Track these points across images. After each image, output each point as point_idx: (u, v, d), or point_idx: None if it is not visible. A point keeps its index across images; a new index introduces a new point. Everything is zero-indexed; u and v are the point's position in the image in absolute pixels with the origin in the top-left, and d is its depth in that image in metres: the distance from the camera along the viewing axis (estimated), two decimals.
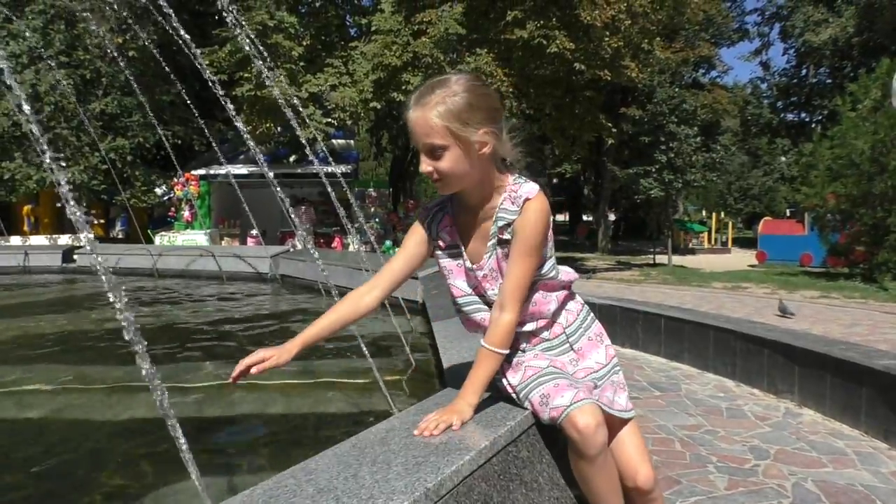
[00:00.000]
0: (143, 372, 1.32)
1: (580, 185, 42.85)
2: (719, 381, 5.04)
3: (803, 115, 43.92)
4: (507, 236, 1.74)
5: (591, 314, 1.98)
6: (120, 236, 25.90)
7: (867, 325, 7.93)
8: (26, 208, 21.10)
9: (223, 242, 18.93)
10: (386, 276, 1.86)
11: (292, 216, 4.05)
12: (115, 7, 17.60)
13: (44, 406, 3.09)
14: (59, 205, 19.03)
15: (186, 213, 20.09)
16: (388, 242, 19.06)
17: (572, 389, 1.68)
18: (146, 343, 1.39)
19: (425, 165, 1.68)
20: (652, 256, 24.72)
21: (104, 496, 2.12)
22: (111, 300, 1.34)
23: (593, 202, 33.95)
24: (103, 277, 1.35)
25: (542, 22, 15.69)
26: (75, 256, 10.36)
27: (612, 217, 37.43)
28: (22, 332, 5.11)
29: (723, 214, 46.06)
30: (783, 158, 45.18)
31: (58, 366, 3.94)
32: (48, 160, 1.31)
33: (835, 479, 3.06)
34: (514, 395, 1.78)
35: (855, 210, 15.70)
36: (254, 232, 19.04)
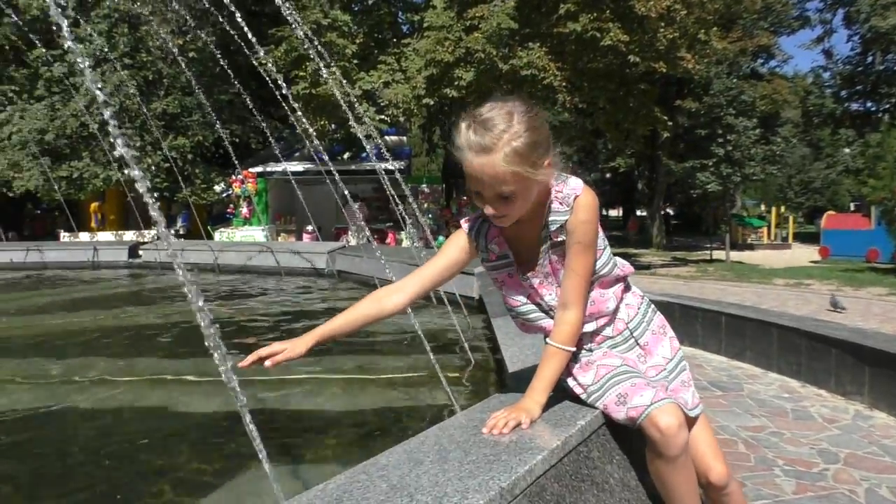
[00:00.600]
0: (217, 361, 1.36)
1: (634, 180, 42.17)
2: (783, 381, 4.91)
3: (869, 104, 42.16)
4: (561, 238, 1.72)
5: (652, 305, 1.95)
6: (181, 233, 26.69)
7: None
8: (94, 205, 21.91)
9: (279, 238, 19.33)
10: (416, 280, 1.80)
11: (353, 210, 4.09)
12: (176, 9, 18.12)
13: (117, 397, 3.20)
14: (127, 199, 19.72)
15: (244, 210, 20.56)
16: (441, 238, 19.14)
17: (651, 389, 1.66)
18: (217, 336, 1.43)
19: (491, 210, 1.62)
20: (708, 252, 24.16)
21: (175, 483, 2.19)
22: (188, 296, 1.38)
23: (647, 197, 33.33)
24: (180, 273, 1.39)
25: (595, 14, 15.47)
26: (141, 252, 10.73)
27: (669, 212, 36.74)
28: (96, 325, 5.32)
29: (783, 209, 44.69)
30: (847, 150, 43.58)
31: (131, 359, 4.09)
32: (131, 163, 1.35)
33: None
34: (584, 395, 1.77)
35: None
36: (309, 228, 19.37)
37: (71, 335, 4.97)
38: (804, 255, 25.15)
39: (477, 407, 1.71)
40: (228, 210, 21.73)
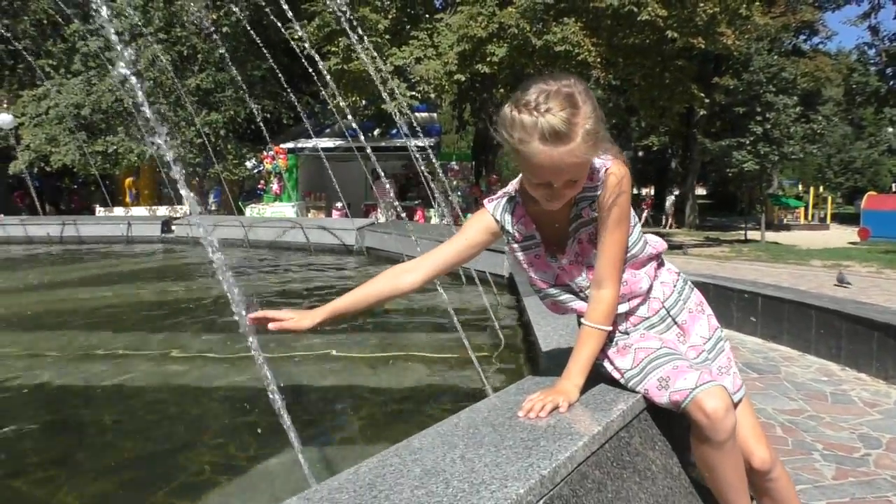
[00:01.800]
0: (251, 342, 1.33)
1: (667, 159, 41.53)
2: (822, 364, 4.79)
3: None
4: (592, 215, 1.64)
5: (689, 282, 1.87)
6: (213, 208, 26.99)
7: None
8: (128, 181, 22.21)
9: (309, 215, 19.42)
10: (433, 260, 1.73)
11: (383, 186, 4.06)
12: None
13: (147, 373, 3.23)
14: (160, 174, 19.96)
15: (275, 186, 20.67)
16: (469, 216, 19.04)
17: (695, 371, 1.59)
18: (245, 314, 1.40)
19: (558, 196, 1.55)
20: (743, 232, 23.74)
21: (206, 463, 2.19)
22: (218, 274, 1.35)
23: (681, 176, 32.78)
24: (210, 251, 1.36)
25: None
26: (173, 227, 10.85)
27: (701, 191, 36.14)
28: (126, 300, 5.38)
29: (821, 189, 43.72)
30: (891, 129, 42.33)
31: (157, 335, 4.12)
32: (161, 141, 1.31)
33: None
34: (622, 380, 1.70)
35: None
36: (339, 204, 19.43)
37: (96, 311, 5.04)
38: (842, 236, 24.60)
39: (511, 389, 1.66)
40: (259, 186, 21.87)
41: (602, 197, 1.60)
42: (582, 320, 1.67)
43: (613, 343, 1.75)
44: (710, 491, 1.61)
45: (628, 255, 1.69)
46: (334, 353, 3.51)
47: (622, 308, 1.73)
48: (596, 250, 1.67)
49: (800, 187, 44.41)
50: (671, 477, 1.48)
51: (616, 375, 1.72)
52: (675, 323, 1.78)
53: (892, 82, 40.75)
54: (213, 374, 3.19)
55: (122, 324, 4.42)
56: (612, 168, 1.60)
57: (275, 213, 18.06)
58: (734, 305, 5.87)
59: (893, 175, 41.26)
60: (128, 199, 22.00)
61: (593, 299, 1.65)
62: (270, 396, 1.36)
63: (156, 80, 18.59)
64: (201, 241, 1.35)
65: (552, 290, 1.76)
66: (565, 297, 1.75)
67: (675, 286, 1.81)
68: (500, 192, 1.77)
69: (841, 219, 38.24)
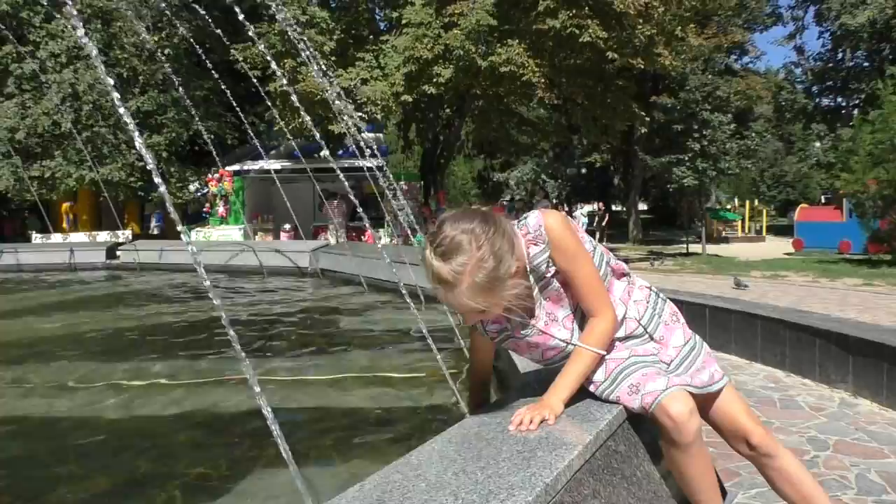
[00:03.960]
0: (245, 364, 1.35)
1: (609, 176, 42.45)
2: (769, 371, 4.99)
3: (839, 99, 42.87)
4: (551, 271, 1.72)
5: (660, 295, 1.95)
6: (155, 232, 26.31)
7: None
8: (65, 206, 21.50)
9: (257, 237, 19.16)
10: (482, 361, 2.00)
11: (334, 207, 4.07)
12: (151, 5, 17.86)
13: (110, 402, 3.16)
14: (100, 199, 19.40)
15: (221, 209, 20.33)
16: (419, 235, 19.09)
17: (663, 376, 1.68)
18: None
19: (473, 322, 1.73)
20: (685, 246, 24.41)
21: (181, 491, 2.17)
22: (212, 300, 1.38)
23: (623, 192, 33.56)
24: (203, 274, 1.38)
25: (573, 11, 15.56)
26: (118, 253, 10.59)
27: (643, 206, 37.04)
28: (77, 330, 5.24)
29: (756, 202, 45.33)
30: (818, 144, 44.24)
31: (119, 363, 4.04)
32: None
33: None
34: (597, 391, 1.76)
35: None
36: (287, 226, 19.21)
37: (56, 340, 4.89)
38: (778, 247, 25.48)
39: (496, 404, 1.72)
40: (205, 209, 21.48)
41: (553, 250, 1.68)
42: (576, 342, 1.73)
43: None
44: (684, 494, 1.68)
45: (601, 272, 1.77)
46: (305, 376, 3.50)
47: None
48: (565, 299, 1.76)
49: (735, 201, 45.94)
50: (654, 482, 1.56)
51: (591, 388, 1.77)
52: (653, 339, 1.84)
53: (818, 99, 42.72)
54: (177, 401, 3.15)
55: (78, 353, 4.31)
56: (547, 221, 1.69)
57: (221, 236, 17.76)
58: (683, 317, 6.06)
59: (822, 188, 43.03)
60: (65, 225, 21.29)
61: (588, 325, 1.72)
62: (268, 420, 1.37)
63: (95, 102, 18.15)
64: (195, 266, 1.36)
65: (548, 362, 1.83)
66: (561, 356, 1.78)
67: (648, 301, 1.89)
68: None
69: (776, 230, 39.66)
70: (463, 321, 1.72)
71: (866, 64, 38.57)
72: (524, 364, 2.22)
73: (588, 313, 1.72)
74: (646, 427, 1.71)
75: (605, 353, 1.72)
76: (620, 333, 1.82)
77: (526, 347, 1.82)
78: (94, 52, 1.41)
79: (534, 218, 1.70)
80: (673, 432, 1.58)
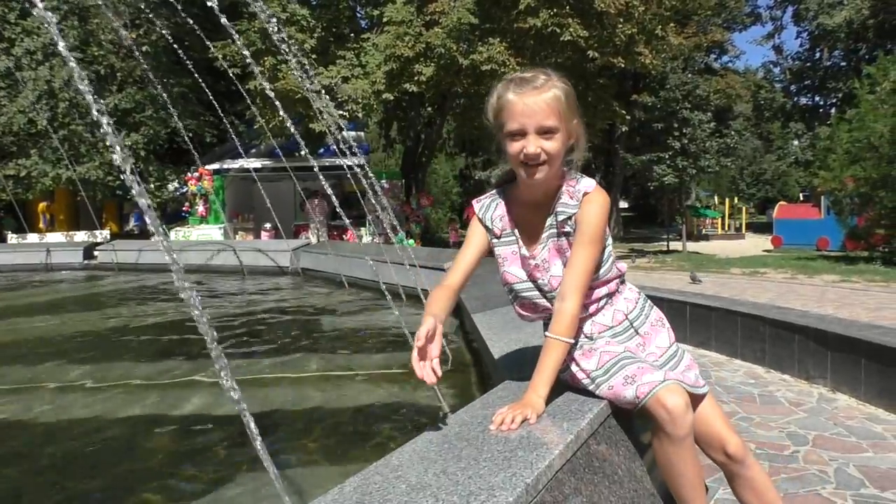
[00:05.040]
0: (218, 367, 1.33)
1: (591, 173, 42.62)
2: (749, 367, 5.04)
3: (817, 98, 43.50)
4: (567, 229, 1.78)
5: (649, 301, 2.00)
6: (134, 232, 26.04)
7: (895, 309, 7.87)
8: (41, 205, 21.21)
9: (237, 237, 19.03)
10: (459, 271, 1.88)
11: (315, 207, 4.05)
12: (128, 2, 17.65)
13: (86, 404, 3.11)
14: (78, 199, 19.14)
15: (201, 208, 20.16)
16: (401, 234, 19.05)
17: (660, 370, 1.71)
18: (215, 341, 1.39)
19: (534, 147, 1.69)
20: (665, 243, 24.63)
21: (162, 494, 2.14)
22: (185, 300, 1.35)
23: (605, 189, 33.74)
24: (175, 276, 1.36)
25: (555, 10, 15.59)
26: (96, 253, 10.45)
27: (624, 204, 37.25)
28: (56, 331, 5.16)
29: (735, 200, 45.80)
30: (796, 142, 44.83)
31: (95, 364, 3.98)
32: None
33: (876, 464, 3.06)
34: (587, 381, 1.78)
35: (874, 193, 15.55)
36: (267, 225, 19.10)
37: (30, 342, 4.81)
38: (757, 244, 25.81)
39: (476, 403, 1.71)
40: (184, 208, 21.28)
41: (579, 216, 1.75)
42: (546, 332, 1.75)
43: (579, 346, 1.83)
44: (669, 490, 1.68)
45: (599, 273, 1.81)
46: (285, 375, 3.47)
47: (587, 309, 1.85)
48: (559, 260, 1.80)
49: (715, 199, 46.40)
50: (635, 480, 1.55)
51: (581, 376, 1.79)
52: (638, 333, 1.89)
53: (796, 98, 43.25)
54: (153, 402, 3.10)
55: (55, 354, 4.23)
56: (593, 193, 1.77)
57: (201, 235, 17.60)
58: (664, 314, 6.09)
59: (801, 185, 43.58)
60: (41, 225, 20.99)
61: (557, 311, 1.73)
62: (246, 421, 1.35)
63: (72, 100, 17.90)
64: (171, 269, 1.33)
65: (521, 286, 1.86)
66: (531, 293, 1.86)
67: (637, 303, 1.94)
68: (487, 193, 1.95)
69: (755, 228, 40.11)
70: (522, 154, 1.69)
71: (843, 63, 39.14)
72: (503, 360, 2.21)
73: (562, 291, 1.74)
74: (627, 424, 1.71)
75: (572, 341, 1.74)
76: (607, 321, 1.87)
77: (517, 264, 1.87)
78: (66, 52, 1.36)
79: (586, 181, 1.80)
80: (668, 425, 1.59)
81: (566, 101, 1.72)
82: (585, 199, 1.76)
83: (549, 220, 1.82)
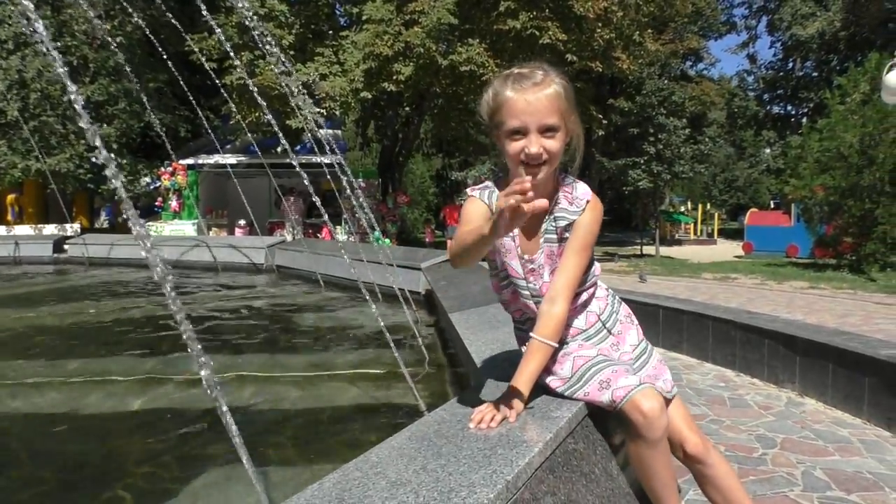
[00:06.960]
0: (200, 361, 1.32)
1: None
2: (719, 371, 5.10)
3: (789, 107, 44.22)
4: (567, 235, 1.76)
5: (617, 296, 2.02)
6: (105, 226, 25.64)
7: (860, 316, 8.02)
8: (10, 197, 20.80)
9: (211, 233, 18.82)
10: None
11: (290, 205, 4.03)
12: None
13: (58, 400, 3.07)
14: (48, 191, 18.79)
15: (174, 203, 19.91)
16: (376, 233, 18.98)
17: (634, 374, 1.73)
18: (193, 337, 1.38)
19: (536, 146, 1.63)
20: (639, 247, 24.86)
21: (135, 489, 2.12)
22: (167, 294, 1.34)
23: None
24: (156, 270, 1.34)
25: (534, 13, 15.69)
26: (66, 247, 10.27)
27: None
28: (25, 325, 5.07)
29: (708, 206, 46.41)
30: (768, 150, 45.53)
31: (68, 360, 3.92)
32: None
33: (842, 467, 3.12)
34: (562, 388, 1.78)
35: (843, 202, 15.83)
36: (242, 222, 18.92)
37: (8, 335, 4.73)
38: (728, 250, 26.15)
39: (455, 401, 1.71)
40: (157, 203, 21.00)
41: (578, 222, 1.74)
42: (531, 334, 1.73)
43: (553, 355, 1.81)
44: (643, 489, 1.71)
45: (586, 279, 1.82)
46: (262, 373, 3.45)
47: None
48: (550, 266, 1.79)
49: (688, 204, 46.99)
50: (611, 479, 1.57)
51: (556, 384, 1.78)
52: (611, 333, 1.91)
53: (769, 107, 43.95)
54: (128, 398, 3.06)
55: (27, 349, 4.16)
56: (594, 201, 1.76)
57: (174, 231, 17.40)
58: (637, 317, 6.16)
59: (772, 193, 44.28)
60: (10, 217, 20.58)
61: (544, 314, 1.72)
62: (223, 418, 1.34)
63: (43, 91, 17.56)
64: (149, 263, 1.32)
65: (520, 281, 1.82)
66: (525, 291, 1.82)
67: (607, 300, 1.95)
68: (482, 184, 1.87)
69: (727, 234, 40.66)
70: (529, 147, 1.63)
71: (815, 74, 39.85)
72: (482, 360, 2.22)
73: (550, 294, 1.73)
74: (603, 425, 1.73)
75: (557, 345, 1.73)
76: (581, 325, 1.87)
77: (515, 258, 1.82)
78: (48, 41, 1.34)
79: (583, 187, 1.78)
80: (643, 428, 1.61)
81: (566, 97, 1.68)
82: (588, 207, 1.75)
83: (546, 224, 1.78)
